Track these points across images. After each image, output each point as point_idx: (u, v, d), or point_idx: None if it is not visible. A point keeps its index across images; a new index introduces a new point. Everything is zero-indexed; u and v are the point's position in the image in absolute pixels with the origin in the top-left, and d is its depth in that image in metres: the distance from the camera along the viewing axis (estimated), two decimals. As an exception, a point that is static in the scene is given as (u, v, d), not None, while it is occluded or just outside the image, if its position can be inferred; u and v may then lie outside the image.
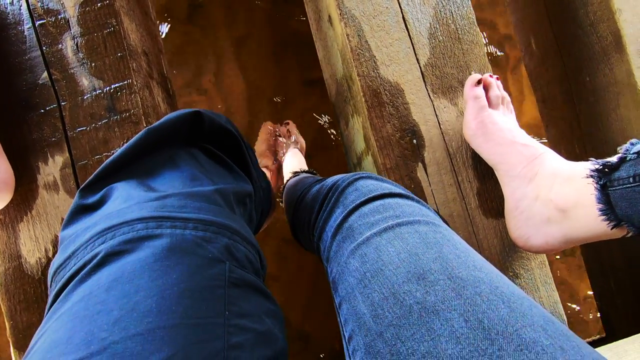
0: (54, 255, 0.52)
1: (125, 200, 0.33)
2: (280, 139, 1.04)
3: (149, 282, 0.27)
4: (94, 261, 0.28)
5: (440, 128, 0.59)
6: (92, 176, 0.34)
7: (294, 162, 0.94)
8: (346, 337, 0.34)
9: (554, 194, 0.46)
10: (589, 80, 0.76)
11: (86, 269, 0.28)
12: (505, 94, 0.57)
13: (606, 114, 0.73)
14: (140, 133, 0.36)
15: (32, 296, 0.51)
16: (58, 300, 0.28)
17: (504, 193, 0.53)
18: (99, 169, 0.35)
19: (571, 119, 0.82)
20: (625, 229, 0.41)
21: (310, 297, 1.23)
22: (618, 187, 0.40)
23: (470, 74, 0.61)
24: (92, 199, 0.34)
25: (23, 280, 0.51)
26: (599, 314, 0.92)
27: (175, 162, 0.39)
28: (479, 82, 0.54)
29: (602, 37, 0.70)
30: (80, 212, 0.33)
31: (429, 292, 0.29)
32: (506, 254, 0.59)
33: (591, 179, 0.42)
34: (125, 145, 0.35)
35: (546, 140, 0.96)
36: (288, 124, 1.04)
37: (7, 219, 0.52)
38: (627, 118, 0.69)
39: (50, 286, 0.31)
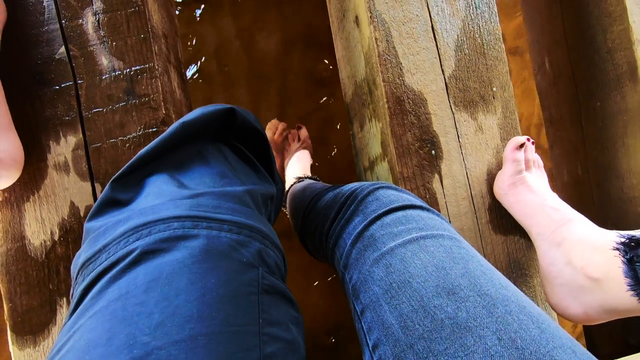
0: (59, 239, 0.50)
1: (158, 196, 0.32)
2: (288, 140, 1.03)
3: (188, 285, 0.26)
4: (129, 258, 0.27)
5: (459, 141, 0.60)
6: (125, 167, 0.33)
7: (298, 167, 0.93)
8: (370, 345, 0.34)
9: (584, 261, 0.46)
10: (599, 106, 0.77)
11: (120, 266, 0.27)
12: (538, 157, 0.58)
13: (613, 141, 0.75)
14: (175, 126, 0.35)
15: (34, 279, 0.49)
16: (90, 297, 0.27)
17: (537, 256, 0.53)
18: (132, 160, 0.33)
19: (577, 142, 0.84)
20: None
21: (299, 292, 1.23)
22: None
23: (492, 90, 0.61)
24: (123, 192, 0.33)
25: (25, 262, 0.49)
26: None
27: (204, 158, 0.38)
28: (521, 145, 0.55)
29: (618, 65, 0.72)
30: (111, 204, 0.32)
31: (460, 307, 0.29)
32: (511, 270, 0.60)
33: (617, 252, 0.42)
34: (160, 137, 0.34)
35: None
36: (301, 128, 1.04)
37: (13, 198, 0.50)
38: (633, 147, 0.71)
39: (76, 279, 0.30)
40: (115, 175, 0.33)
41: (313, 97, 1.26)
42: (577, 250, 0.47)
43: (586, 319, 0.47)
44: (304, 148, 0.99)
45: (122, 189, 0.33)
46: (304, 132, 1.03)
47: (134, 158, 0.34)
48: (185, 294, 0.25)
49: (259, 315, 0.28)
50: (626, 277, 0.40)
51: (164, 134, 0.35)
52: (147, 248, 0.28)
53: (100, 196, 0.32)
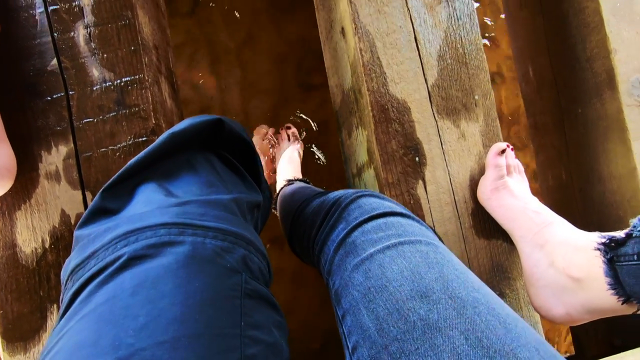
0: (50, 246, 0.51)
1: (146, 204, 0.33)
2: (278, 141, 1.04)
3: (173, 288, 0.27)
4: (117, 263, 0.28)
5: (442, 148, 0.61)
6: (114, 177, 0.34)
7: (289, 169, 0.94)
8: (350, 348, 0.35)
9: (566, 262, 0.47)
10: (581, 112, 0.79)
11: (108, 271, 0.28)
12: (518, 162, 0.60)
13: (594, 146, 0.77)
14: (164, 136, 0.36)
15: (24, 287, 0.50)
16: (78, 301, 0.28)
17: (521, 259, 0.54)
18: (122, 169, 0.35)
19: (560, 147, 0.86)
20: (636, 305, 0.41)
21: (290, 299, 1.24)
22: (624, 263, 0.40)
23: (474, 99, 0.63)
24: (113, 201, 0.34)
25: (17, 269, 0.50)
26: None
27: (193, 167, 0.39)
28: (502, 151, 0.57)
29: (597, 73, 0.74)
30: (100, 213, 0.33)
31: (431, 309, 0.31)
32: (494, 273, 0.61)
33: (598, 252, 0.43)
34: (149, 147, 0.35)
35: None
36: (290, 127, 1.05)
37: (4, 206, 0.50)
38: (613, 152, 0.73)
39: (66, 284, 0.31)
40: (106, 185, 0.34)
41: (303, 104, 1.28)
42: (559, 252, 0.48)
43: (569, 320, 0.48)
44: (294, 148, 1.00)
45: (112, 198, 0.34)
46: (293, 132, 1.04)
47: (123, 168, 0.35)
48: (170, 297, 0.27)
49: (241, 318, 0.29)
50: (607, 276, 0.41)
51: (153, 144, 0.36)
52: (135, 254, 0.29)
53: (90, 205, 0.34)
